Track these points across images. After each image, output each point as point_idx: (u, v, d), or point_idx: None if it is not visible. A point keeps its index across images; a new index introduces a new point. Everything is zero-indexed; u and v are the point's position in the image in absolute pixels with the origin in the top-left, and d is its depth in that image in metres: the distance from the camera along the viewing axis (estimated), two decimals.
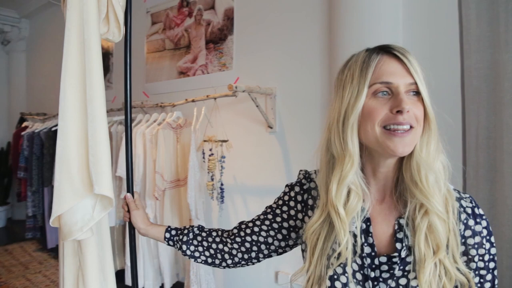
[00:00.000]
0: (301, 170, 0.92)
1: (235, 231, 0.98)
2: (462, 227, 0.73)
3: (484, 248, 0.72)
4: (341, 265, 0.73)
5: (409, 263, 0.71)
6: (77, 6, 0.94)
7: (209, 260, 1.00)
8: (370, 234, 0.75)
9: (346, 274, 0.73)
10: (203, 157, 2.36)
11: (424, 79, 0.71)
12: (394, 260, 0.72)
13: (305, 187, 0.88)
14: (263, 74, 2.53)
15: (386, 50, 0.72)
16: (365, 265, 0.73)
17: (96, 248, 0.97)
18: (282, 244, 0.92)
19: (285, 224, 0.90)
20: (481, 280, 0.72)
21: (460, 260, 0.70)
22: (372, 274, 0.73)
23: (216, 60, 2.83)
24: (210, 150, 2.30)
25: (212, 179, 2.30)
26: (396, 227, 0.74)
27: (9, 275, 3.52)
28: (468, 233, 0.72)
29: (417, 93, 0.70)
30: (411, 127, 0.69)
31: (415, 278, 0.69)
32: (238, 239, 0.96)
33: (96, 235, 0.98)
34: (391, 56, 0.71)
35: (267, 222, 0.92)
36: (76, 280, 0.96)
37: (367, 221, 0.76)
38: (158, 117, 2.60)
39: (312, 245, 0.76)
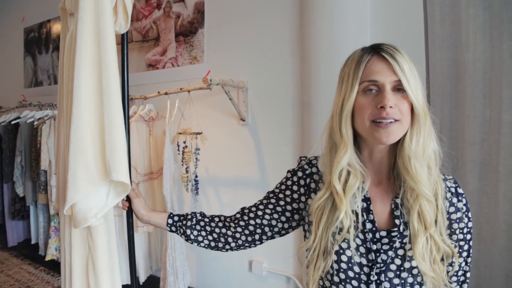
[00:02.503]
0: (302, 157, 1.00)
1: (238, 215, 1.04)
2: (447, 204, 0.85)
3: (464, 222, 0.85)
4: (346, 241, 0.83)
5: (406, 236, 0.82)
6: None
7: (212, 243, 1.05)
8: (371, 212, 0.85)
9: (351, 248, 0.83)
10: (178, 150, 2.37)
11: (413, 76, 0.79)
12: (393, 234, 0.82)
13: (307, 172, 0.95)
14: (234, 67, 2.57)
15: (377, 50, 0.81)
16: (368, 239, 0.83)
17: (106, 234, 0.99)
18: (286, 225, 0.99)
19: (289, 207, 0.97)
20: (460, 250, 0.85)
21: (445, 234, 0.82)
22: (374, 247, 0.83)
23: (187, 53, 2.83)
24: (184, 142, 2.32)
25: (187, 171, 2.32)
26: (393, 206, 0.85)
27: None
28: (452, 209, 0.85)
29: (403, 89, 0.78)
30: (395, 120, 0.78)
31: (411, 249, 0.80)
32: (242, 223, 1.02)
33: (106, 221, 1.00)
34: (380, 56, 0.80)
35: (270, 206, 0.99)
36: (85, 267, 0.97)
37: (367, 200, 0.86)
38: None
39: (317, 219, 0.85)
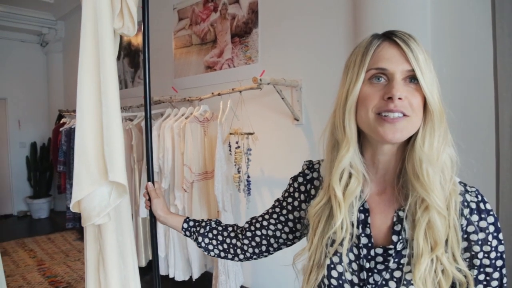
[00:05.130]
0: (305, 161, 0.92)
1: (246, 226, 0.99)
2: (464, 222, 0.70)
3: (490, 245, 0.69)
4: (338, 255, 0.74)
5: (404, 256, 0.70)
6: (90, 3, 0.98)
7: (222, 254, 1.02)
8: (368, 225, 0.74)
9: (342, 263, 0.73)
10: (230, 150, 2.38)
11: (428, 68, 0.68)
12: (390, 252, 0.71)
13: (308, 177, 0.88)
14: (288, 66, 2.52)
15: (388, 36, 0.71)
16: (361, 256, 0.73)
17: (115, 233, 1.02)
18: (290, 236, 0.92)
19: (291, 216, 0.90)
20: (487, 278, 0.70)
21: (461, 258, 0.68)
22: (367, 265, 0.73)
23: (242, 53, 2.84)
24: (237, 142, 2.32)
25: (239, 172, 2.32)
26: (395, 219, 0.73)
27: (51, 262, 3.75)
28: (471, 228, 0.70)
29: (417, 81, 0.68)
30: (404, 115, 0.67)
31: (410, 271, 0.68)
32: (248, 234, 0.97)
33: (115, 221, 1.03)
34: (392, 42, 0.70)
35: (274, 216, 0.93)
36: (97, 263, 1.02)
37: (366, 211, 0.75)
38: (185, 111, 2.65)
39: (314, 226, 0.77)
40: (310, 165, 0.89)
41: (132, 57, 4.16)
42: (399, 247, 0.71)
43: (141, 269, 3.08)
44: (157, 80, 3.64)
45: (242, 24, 2.82)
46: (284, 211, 0.92)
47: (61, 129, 4.18)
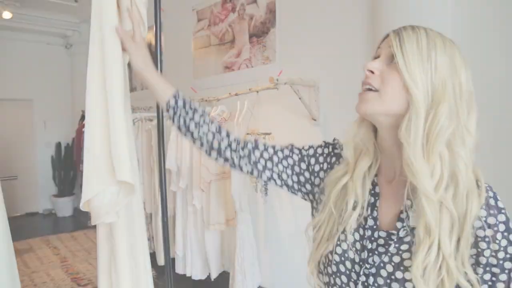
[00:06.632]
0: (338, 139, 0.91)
1: (250, 146, 0.91)
2: None
3: (498, 244, 0.66)
4: (345, 233, 0.76)
5: (406, 243, 0.70)
6: (98, 4, 1.00)
7: (203, 148, 0.94)
8: (376, 208, 0.77)
9: (347, 241, 0.76)
10: None
11: (420, 55, 0.66)
12: (392, 237, 0.73)
13: (336, 151, 0.88)
14: (306, 66, 2.50)
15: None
16: (365, 237, 0.75)
17: (126, 233, 1.03)
18: (295, 186, 0.90)
19: (306, 174, 0.89)
20: (493, 279, 0.67)
21: (469, 264, 0.65)
22: (369, 246, 0.74)
23: (260, 53, 2.84)
24: None
25: None
26: (402, 207, 0.73)
27: (74, 259, 3.86)
28: (478, 223, 0.67)
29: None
30: (375, 89, 0.70)
31: (409, 259, 0.68)
32: (253, 158, 0.90)
33: (126, 220, 1.04)
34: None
35: (290, 161, 0.89)
36: (109, 262, 1.04)
37: (377, 195, 0.78)
38: None
39: (329, 189, 0.80)
40: (341, 144, 0.88)
41: (154, 59, 4.22)
42: (401, 233, 0.72)
43: (161, 268, 3.12)
44: (177, 81, 3.67)
45: (259, 24, 2.82)
46: (303, 165, 0.89)
47: (83, 129, 4.28)
